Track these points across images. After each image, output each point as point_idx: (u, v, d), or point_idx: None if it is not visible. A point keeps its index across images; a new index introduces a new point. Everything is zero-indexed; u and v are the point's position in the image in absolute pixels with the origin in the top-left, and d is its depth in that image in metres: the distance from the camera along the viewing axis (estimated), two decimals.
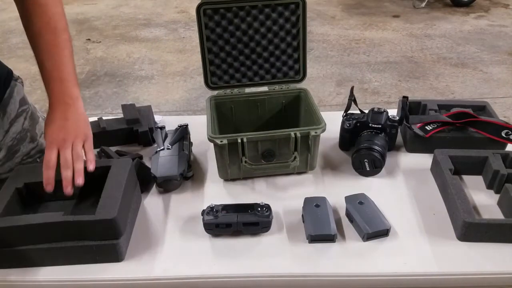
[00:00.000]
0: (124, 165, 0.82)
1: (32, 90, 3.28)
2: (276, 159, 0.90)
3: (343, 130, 1.01)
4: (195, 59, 3.57)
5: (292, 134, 0.86)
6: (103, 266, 0.74)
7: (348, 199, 0.83)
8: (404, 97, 1.02)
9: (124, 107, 1.12)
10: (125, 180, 0.79)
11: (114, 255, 0.74)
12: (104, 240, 0.72)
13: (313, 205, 0.82)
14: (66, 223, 0.71)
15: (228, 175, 0.92)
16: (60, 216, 0.72)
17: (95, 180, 0.80)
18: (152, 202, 0.89)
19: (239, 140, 0.86)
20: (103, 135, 1.05)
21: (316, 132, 0.87)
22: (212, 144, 0.87)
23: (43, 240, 0.73)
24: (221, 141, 0.85)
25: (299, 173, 0.95)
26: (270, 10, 0.96)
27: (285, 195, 0.89)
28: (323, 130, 0.88)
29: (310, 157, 0.91)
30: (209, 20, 0.96)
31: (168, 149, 0.95)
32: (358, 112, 1.04)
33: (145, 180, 0.92)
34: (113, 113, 2.92)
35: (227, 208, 0.79)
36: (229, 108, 1.06)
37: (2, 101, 0.92)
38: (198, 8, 0.94)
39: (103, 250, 0.73)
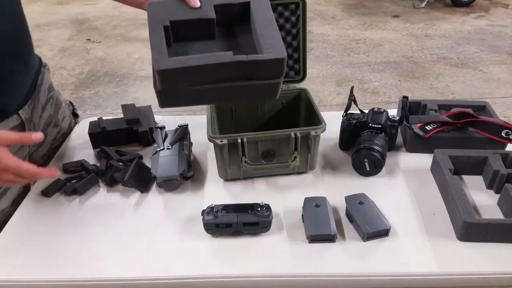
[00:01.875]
0: (265, 1, 0.78)
1: None
2: (276, 159, 0.90)
3: (343, 130, 1.01)
4: None
5: (292, 134, 0.86)
6: (101, 266, 0.74)
7: (348, 199, 0.83)
8: (404, 97, 1.02)
9: (124, 107, 1.12)
10: (271, 13, 0.75)
11: (274, 92, 0.75)
12: (269, 79, 0.72)
13: (313, 205, 0.82)
14: (237, 63, 0.69)
15: (228, 175, 0.92)
16: (231, 56, 0.69)
17: (230, 16, 0.77)
18: (152, 202, 0.89)
19: (239, 140, 0.86)
20: (103, 135, 1.05)
21: (316, 132, 0.87)
22: (212, 144, 0.87)
23: (211, 80, 0.71)
24: (221, 141, 0.85)
25: (299, 173, 0.95)
26: None
27: (285, 195, 0.89)
28: (323, 130, 0.88)
29: (310, 157, 0.91)
30: None
31: (168, 149, 0.95)
32: (358, 112, 1.04)
33: (145, 180, 0.92)
34: (113, 113, 2.92)
35: (227, 208, 0.79)
36: (229, 108, 1.06)
37: (36, 88, 0.99)
38: None
39: (267, 89, 0.73)
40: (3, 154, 0.70)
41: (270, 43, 0.71)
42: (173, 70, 0.69)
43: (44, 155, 1.06)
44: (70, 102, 1.19)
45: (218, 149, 0.87)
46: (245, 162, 0.88)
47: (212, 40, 0.77)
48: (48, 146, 1.07)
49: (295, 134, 0.86)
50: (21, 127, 0.95)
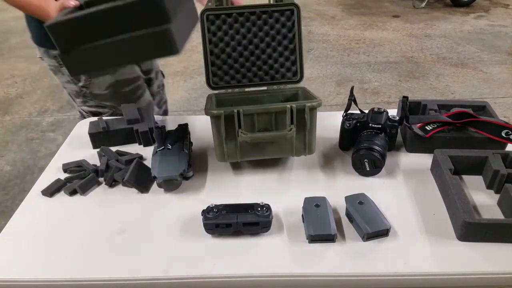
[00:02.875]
0: None
1: (32, 90, 3.28)
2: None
3: (343, 130, 1.01)
4: (195, 59, 3.57)
5: (288, 106, 0.87)
6: (100, 266, 0.74)
7: (348, 199, 0.83)
8: (404, 97, 1.02)
9: (125, 107, 1.13)
10: None
11: (169, 44, 0.72)
12: (151, 27, 0.70)
13: (313, 205, 0.82)
14: (114, 10, 0.70)
15: (225, 155, 0.92)
16: (108, 4, 0.70)
17: None
18: (152, 202, 0.89)
19: (236, 111, 0.86)
20: (103, 135, 1.05)
21: (311, 105, 0.87)
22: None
23: (96, 34, 0.73)
24: (217, 112, 0.86)
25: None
26: (267, 16, 0.99)
27: (285, 195, 0.89)
28: (319, 104, 0.89)
29: (308, 136, 0.91)
30: (211, 24, 0.99)
31: (168, 149, 0.95)
32: (358, 112, 1.04)
33: (145, 180, 0.92)
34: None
35: (227, 208, 0.79)
36: (229, 106, 1.06)
37: None
38: (202, 14, 0.97)
39: (158, 39, 0.71)
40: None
41: None
42: (55, 24, 0.73)
43: (109, 86, 1.27)
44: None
45: (215, 121, 0.87)
46: (241, 133, 0.88)
47: None
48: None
49: (291, 107, 0.87)
50: None
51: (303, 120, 0.89)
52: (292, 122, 0.89)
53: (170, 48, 0.73)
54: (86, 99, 1.26)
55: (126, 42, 0.73)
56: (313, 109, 0.88)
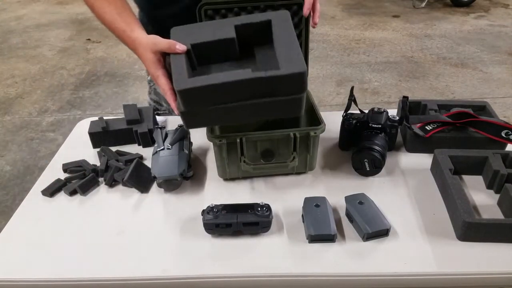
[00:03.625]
0: (284, 17, 0.78)
1: (32, 90, 3.28)
2: (275, 159, 0.90)
3: (343, 130, 1.01)
4: None
5: (291, 134, 0.86)
6: (101, 266, 0.75)
7: (348, 199, 0.83)
8: (404, 97, 1.02)
9: (126, 107, 1.12)
10: (293, 31, 0.75)
11: (297, 109, 0.75)
12: (290, 95, 0.72)
13: (313, 205, 0.82)
14: (256, 80, 0.69)
15: (227, 174, 0.92)
16: (250, 72, 0.70)
17: (251, 36, 0.78)
18: (152, 202, 0.89)
19: (238, 140, 0.86)
20: (103, 135, 1.05)
21: (315, 133, 0.87)
22: (212, 144, 0.87)
23: (231, 98, 0.72)
24: (220, 141, 0.85)
25: (298, 173, 0.95)
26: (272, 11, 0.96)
27: (285, 195, 0.89)
28: (322, 131, 0.88)
29: (310, 158, 0.91)
30: (210, 20, 0.94)
31: (168, 149, 0.95)
32: (358, 112, 1.04)
33: (145, 180, 0.92)
34: (113, 113, 2.92)
35: (227, 208, 0.79)
36: None
37: None
38: (199, 9, 0.92)
39: (290, 105, 0.73)
40: (150, 63, 0.78)
41: (290, 58, 0.71)
42: (192, 90, 0.70)
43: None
44: None
45: (217, 148, 0.87)
46: (244, 161, 0.87)
47: (235, 61, 0.79)
48: None
49: (294, 134, 0.86)
50: None
51: (306, 145, 0.89)
52: (295, 149, 0.88)
53: (298, 111, 0.76)
54: (150, 90, 1.31)
55: (255, 105, 0.73)
56: (316, 136, 0.88)
